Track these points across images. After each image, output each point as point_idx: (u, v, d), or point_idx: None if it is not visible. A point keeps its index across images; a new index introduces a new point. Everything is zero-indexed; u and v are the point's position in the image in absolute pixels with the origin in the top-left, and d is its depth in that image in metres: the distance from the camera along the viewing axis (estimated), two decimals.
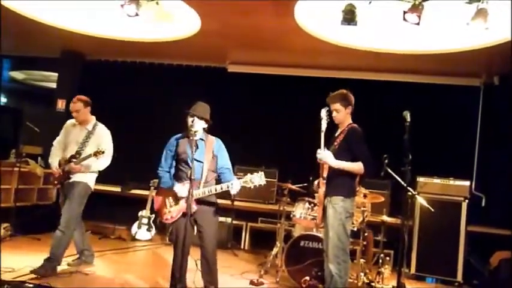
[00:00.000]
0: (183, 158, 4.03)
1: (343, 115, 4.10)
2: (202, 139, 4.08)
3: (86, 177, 4.91)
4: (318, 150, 3.97)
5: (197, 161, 3.94)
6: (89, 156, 4.69)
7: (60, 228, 4.65)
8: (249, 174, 3.87)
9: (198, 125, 3.95)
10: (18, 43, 8.30)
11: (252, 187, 3.88)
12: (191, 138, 3.88)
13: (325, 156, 3.92)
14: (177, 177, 4.06)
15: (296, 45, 6.60)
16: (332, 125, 4.17)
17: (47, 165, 7.15)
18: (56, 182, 4.97)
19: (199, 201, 3.91)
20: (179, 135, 4.16)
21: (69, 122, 5.12)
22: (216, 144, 4.15)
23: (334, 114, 4.12)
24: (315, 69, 7.56)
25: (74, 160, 4.79)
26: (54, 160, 4.99)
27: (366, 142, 3.99)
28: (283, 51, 7.08)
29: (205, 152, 4.04)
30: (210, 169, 4.06)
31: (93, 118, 5.06)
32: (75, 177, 4.84)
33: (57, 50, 8.22)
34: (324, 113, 4.09)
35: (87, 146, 4.88)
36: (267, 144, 7.47)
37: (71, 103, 4.97)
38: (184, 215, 3.81)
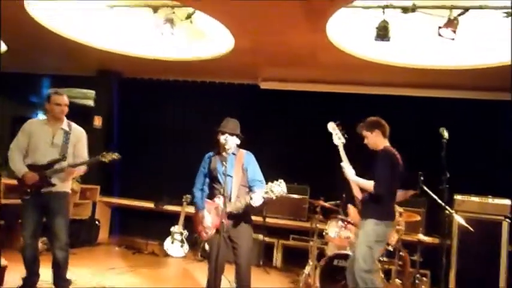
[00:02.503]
0: (214, 174, 4.05)
1: (372, 140, 4.20)
2: (233, 153, 4.06)
3: (68, 186, 4.41)
4: (342, 164, 4.18)
5: (227, 175, 3.94)
6: (96, 159, 4.25)
7: (63, 247, 4.23)
8: (269, 183, 3.79)
9: (231, 142, 3.96)
10: (58, 63, 8.60)
11: (274, 198, 3.77)
12: (224, 154, 3.90)
13: (346, 170, 4.12)
14: (211, 194, 4.08)
15: (328, 62, 6.58)
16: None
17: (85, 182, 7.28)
18: (28, 191, 4.18)
19: (231, 217, 3.88)
20: (211, 152, 4.18)
21: (34, 121, 4.48)
22: (246, 158, 4.13)
23: (365, 141, 4.26)
24: (347, 85, 7.51)
25: (70, 163, 4.23)
26: (22, 166, 4.22)
27: (390, 166, 3.96)
28: (315, 68, 7.07)
29: (235, 166, 4.03)
30: (241, 184, 4.03)
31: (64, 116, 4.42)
32: (58, 187, 4.26)
33: (95, 69, 8.48)
34: (330, 126, 4.39)
35: (68, 148, 4.31)
36: (299, 161, 7.43)
37: (58, 96, 4.29)
38: (218, 231, 3.81)
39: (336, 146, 4.38)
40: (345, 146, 4.36)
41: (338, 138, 4.38)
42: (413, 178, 4.47)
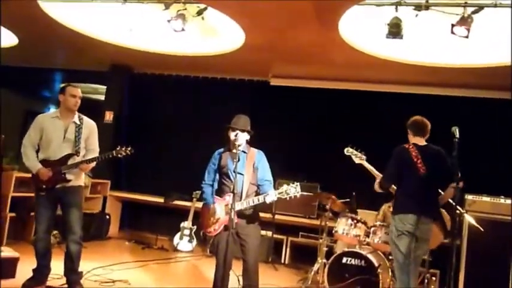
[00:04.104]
0: (224, 171, 4.04)
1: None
2: (244, 151, 4.04)
3: (82, 179, 4.45)
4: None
5: (238, 173, 3.93)
6: (110, 154, 4.19)
7: (77, 240, 4.26)
8: (285, 185, 3.85)
9: (241, 138, 3.96)
10: (69, 57, 8.66)
11: (288, 198, 3.85)
12: (234, 151, 3.90)
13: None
14: (220, 190, 4.07)
15: (340, 59, 6.55)
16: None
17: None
18: (44, 187, 4.18)
19: (239, 215, 3.88)
20: (222, 149, 4.17)
21: (45, 116, 4.41)
22: (257, 157, 4.12)
23: None
24: (358, 82, 7.48)
25: (83, 159, 4.24)
26: (35, 162, 4.21)
27: (394, 161, 4.08)
28: (326, 65, 7.05)
29: (246, 165, 4.02)
30: (250, 182, 4.03)
31: None
32: (72, 181, 4.27)
33: (106, 64, 8.52)
34: (346, 151, 4.59)
35: (81, 142, 4.30)
36: (309, 158, 7.42)
37: (73, 88, 4.31)
38: (226, 227, 3.82)
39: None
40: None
41: (358, 158, 4.49)
42: None
